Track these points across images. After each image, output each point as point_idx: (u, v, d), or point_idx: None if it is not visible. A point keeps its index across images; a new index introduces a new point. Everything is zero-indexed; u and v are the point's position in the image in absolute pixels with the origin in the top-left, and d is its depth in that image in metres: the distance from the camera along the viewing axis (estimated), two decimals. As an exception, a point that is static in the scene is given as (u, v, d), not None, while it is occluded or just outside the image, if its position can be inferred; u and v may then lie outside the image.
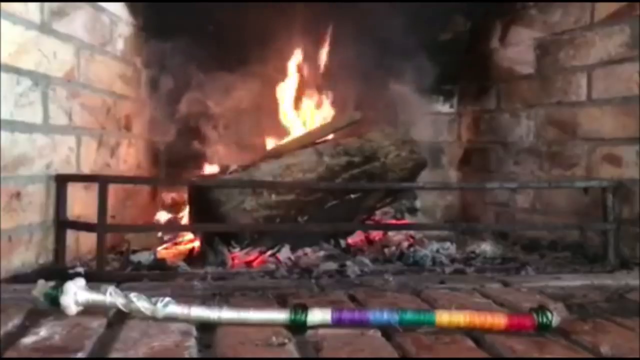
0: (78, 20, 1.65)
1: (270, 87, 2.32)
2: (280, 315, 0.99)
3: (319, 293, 1.27)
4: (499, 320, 0.97)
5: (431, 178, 2.41)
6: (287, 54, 2.31)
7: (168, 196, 2.19)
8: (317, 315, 0.98)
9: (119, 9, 1.93)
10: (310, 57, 2.31)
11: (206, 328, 0.98)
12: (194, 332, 0.96)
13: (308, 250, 1.81)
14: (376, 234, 1.98)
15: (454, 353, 0.90)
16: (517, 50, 2.25)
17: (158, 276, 1.47)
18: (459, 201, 2.61)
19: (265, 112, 2.31)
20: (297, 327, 0.97)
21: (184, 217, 1.97)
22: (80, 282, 1.04)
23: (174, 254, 1.80)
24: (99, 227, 1.47)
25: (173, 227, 2.02)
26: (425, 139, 2.58)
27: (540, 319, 0.97)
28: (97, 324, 0.99)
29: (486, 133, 2.44)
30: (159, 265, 1.61)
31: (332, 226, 1.84)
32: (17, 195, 1.38)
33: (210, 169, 2.17)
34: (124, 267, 1.59)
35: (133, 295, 1.00)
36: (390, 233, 1.96)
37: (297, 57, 2.31)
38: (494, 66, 2.38)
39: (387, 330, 0.97)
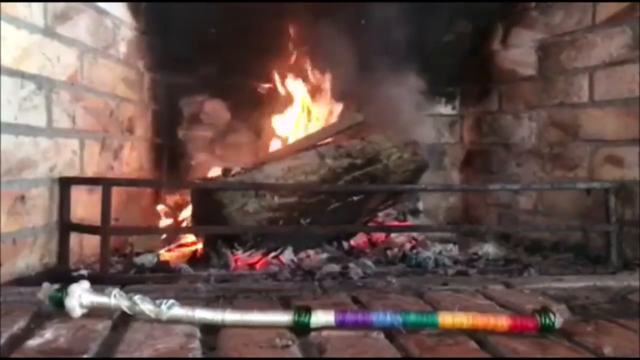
0: (81, 24, 1.66)
1: (273, 88, 2.32)
2: (284, 317, 0.99)
3: (322, 295, 1.28)
4: (502, 321, 0.97)
5: (433, 180, 2.41)
6: (290, 55, 2.31)
7: (171, 199, 2.19)
8: (321, 317, 0.98)
9: (122, 13, 1.94)
10: (312, 59, 2.32)
11: (210, 330, 0.98)
12: (198, 334, 0.96)
13: (311, 252, 1.81)
14: (379, 236, 1.98)
15: (457, 354, 0.90)
16: (519, 51, 2.25)
17: (162, 278, 1.48)
18: (461, 203, 2.61)
19: (268, 114, 2.32)
20: (300, 329, 0.97)
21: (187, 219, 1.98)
22: (85, 284, 1.04)
23: (177, 257, 1.80)
24: (103, 229, 1.48)
25: (176, 230, 2.03)
26: (427, 140, 2.59)
27: (543, 321, 0.97)
28: (102, 326, 0.99)
29: (488, 134, 2.45)
30: (163, 267, 1.62)
31: (335, 228, 1.85)
32: (22, 198, 1.38)
33: (213, 171, 2.17)
34: (127, 270, 1.59)
35: (137, 298, 1.01)
36: (392, 235, 1.96)
37: (298, 57, 2.32)
38: (495, 68, 2.38)
39: (390, 332, 0.97)
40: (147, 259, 1.65)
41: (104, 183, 1.51)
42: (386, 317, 0.98)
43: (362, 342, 0.94)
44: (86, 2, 1.68)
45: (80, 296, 1.02)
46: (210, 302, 1.18)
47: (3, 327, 0.97)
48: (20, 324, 1.00)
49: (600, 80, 1.85)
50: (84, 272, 1.49)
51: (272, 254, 1.75)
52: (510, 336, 0.96)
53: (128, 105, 1.99)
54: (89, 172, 1.70)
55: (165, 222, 2.07)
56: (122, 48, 1.94)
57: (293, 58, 2.32)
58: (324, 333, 0.97)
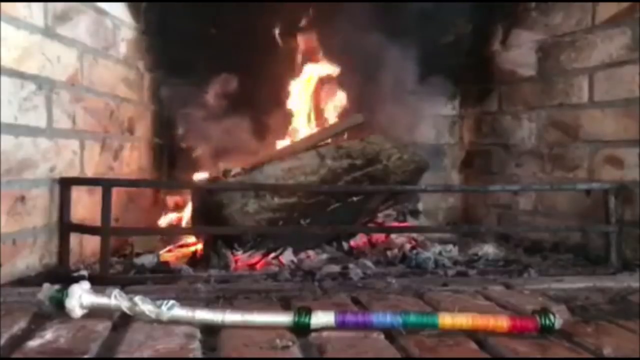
0: (81, 25, 1.66)
1: (273, 89, 2.32)
2: (284, 318, 0.99)
3: (322, 296, 1.28)
4: (502, 322, 0.97)
5: (433, 180, 2.41)
6: (289, 56, 2.31)
7: (171, 199, 2.19)
8: (321, 318, 0.98)
9: (122, 13, 1.94)
10: (312, 59, 2.32)
11: (210, 331, 0.98)
12: (198, 334, 0.97)
13: (311, 252, 1.81)
14: (378, 237, 1.98)
15: (457, 355, 0.90)
16: (519, 52, 2.25)
17: (162, 279, 1.47)
18: (461, 203, 2.61)
19: (268, 113, 2.31)
20: (301, 330, 0.97)
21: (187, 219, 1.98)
22: (85, 285, 1.04)
23: (177, 257, 1.80)
24: (103, 230, 1.48)
25: (176, 230, 2.03)
26: (427, 141, 2.59)
27: (542, 321, 0.97)
28: (102, 327, 0.99)
29: (488, 135, 2.45)
30: (163, 268, 1.62)
31: (335, 229, 1.85)
32: (22, 198, 1.39)
33: (213, 171, 2.17)
34: (127, 270, 1.59)
35: (137, 298, 1.01)
36: (392, 235, 1.96)
37: (298, 58, 2.32)
38: (495, 68, 2.38)
39: (390, 333, 0.98)
40: (147, 260, 1.65)
41: (104, 183, 1.51)
42: (386, 318, 0.98)
43: (362, 342, 0.94)
44: (86, 2, 1.69)
45: (81, 297, 1.02)
46: (210, 303, 1.18)
47: (3, 328, 0.97)
48: (20, 325, 1.01)
49: (600, 81, 1.85)
50: (84, 272, 1.49)
51: (272, 255, 1.75)
52: (510, 337, 0.96)
53: (128, 106, 1.99)
54: (89, 173, 1.70)
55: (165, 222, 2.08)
56: (122, 48, 1.94)
57: (294, 57, 2.32)
58: (324, 334, 0.97)
